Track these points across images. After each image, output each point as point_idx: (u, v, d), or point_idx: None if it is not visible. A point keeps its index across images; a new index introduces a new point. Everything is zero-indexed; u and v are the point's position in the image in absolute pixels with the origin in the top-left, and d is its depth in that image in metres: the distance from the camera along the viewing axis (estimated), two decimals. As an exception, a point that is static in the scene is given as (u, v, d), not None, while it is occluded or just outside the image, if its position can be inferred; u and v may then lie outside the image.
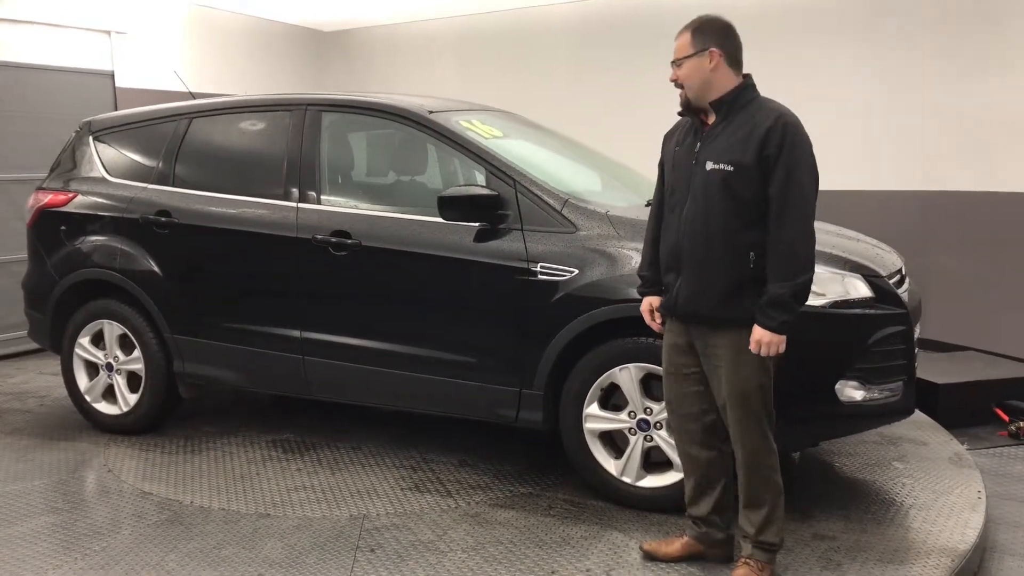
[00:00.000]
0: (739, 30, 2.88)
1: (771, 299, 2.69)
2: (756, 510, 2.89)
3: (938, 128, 6.26)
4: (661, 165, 3.09)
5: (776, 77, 5.37)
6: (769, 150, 2.69)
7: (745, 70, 2.87)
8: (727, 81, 2.81)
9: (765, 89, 2.87)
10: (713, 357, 2.85)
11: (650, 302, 3.09)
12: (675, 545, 3.11)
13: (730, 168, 2.74)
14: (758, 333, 2.72)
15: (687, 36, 2.85)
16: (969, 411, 4.97)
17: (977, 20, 6.01)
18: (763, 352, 2.73)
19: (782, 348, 2.73)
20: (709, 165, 2.78)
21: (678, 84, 2.86)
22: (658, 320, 3.07)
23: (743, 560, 2.95)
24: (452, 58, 8.83)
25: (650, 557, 3.13)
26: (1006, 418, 4.94)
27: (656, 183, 3.13)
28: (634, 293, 3.41)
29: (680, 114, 2.97)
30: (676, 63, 2.86)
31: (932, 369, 5.11)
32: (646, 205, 3.90)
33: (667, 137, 3.08)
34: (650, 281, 3.10)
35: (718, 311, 2.80)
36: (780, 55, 6.54)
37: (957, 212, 6.21)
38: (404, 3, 8.15)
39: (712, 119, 2.85)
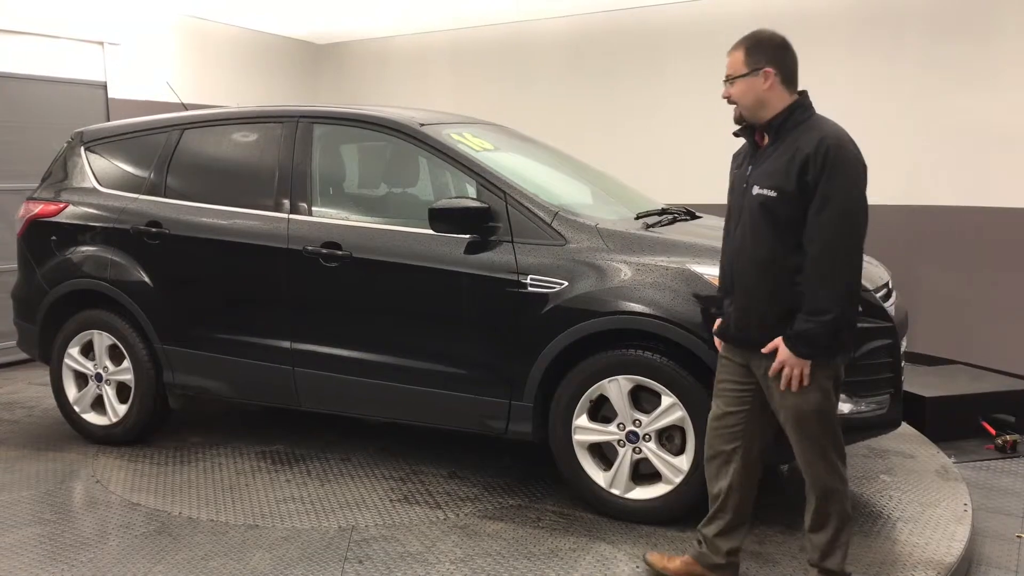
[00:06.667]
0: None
1: (796, 332, 2.61)
2: (820, 535, 2.80)
3: (924, 142, 6.32)
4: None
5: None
6: (809, 176, 2.57)
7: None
8: (780, 101, 2.70)
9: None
10: (768, 380, 2.75)
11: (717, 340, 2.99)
12: (676, 562, 3.07)
13: (773, 194, 2.64)
14: (783, 354, 2.64)
15: (741, 53, 2.72)
16: (956, 424, 4.99)
17: (963, 34, 6.08)
18: (785, 375, 2.64)
19: (807, 372, 2.63)
20: (755, 190, 2.69)
21: (731, 101, 2.76)
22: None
23: None
24: (444, 72, 8.88)
25: (651, 568, 3.11)
26: (992, 431, 4.96)
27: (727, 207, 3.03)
28: (623, 305, 3.44)
29: (735, 134, 2.87)
30: (729, 80, 2.75)
31: (919, 382, 5.14)
32: (636, 218, 3.95)
33: (734, 158, 2.96)
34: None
35: (767, 336, 2.70)
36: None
37: (943, 226, 6.26)
38: (397, 17, 8.20)
39: (766, 140, 2.75)
